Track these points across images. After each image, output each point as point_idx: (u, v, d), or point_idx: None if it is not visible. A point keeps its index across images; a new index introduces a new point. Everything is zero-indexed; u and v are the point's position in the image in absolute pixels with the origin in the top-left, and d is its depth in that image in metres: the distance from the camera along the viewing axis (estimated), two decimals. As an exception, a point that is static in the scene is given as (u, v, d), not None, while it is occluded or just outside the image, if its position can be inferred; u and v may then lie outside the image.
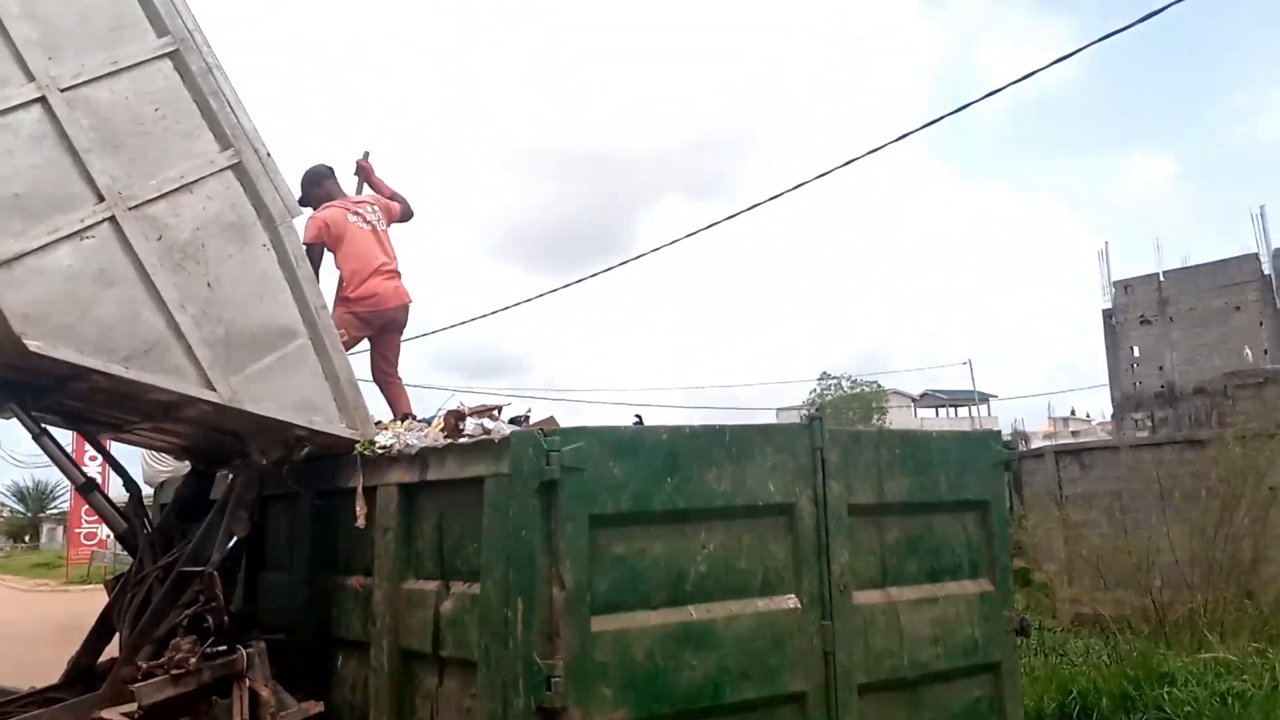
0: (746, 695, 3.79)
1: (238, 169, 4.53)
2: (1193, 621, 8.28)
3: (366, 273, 5.88)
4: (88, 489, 4.87)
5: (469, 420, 4.72)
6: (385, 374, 6.18)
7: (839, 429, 4.24)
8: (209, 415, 4.57)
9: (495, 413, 5.19)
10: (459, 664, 3.89)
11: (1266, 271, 47.17)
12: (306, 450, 4.74)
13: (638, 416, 4.97)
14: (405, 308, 6.14)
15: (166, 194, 4.33)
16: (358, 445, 4.63)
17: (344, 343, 5.78)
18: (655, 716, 3.59)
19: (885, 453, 4.37)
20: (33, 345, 3.97)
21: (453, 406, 4.96)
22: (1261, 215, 48.72)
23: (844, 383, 54.98)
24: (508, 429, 4.51)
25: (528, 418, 5.33)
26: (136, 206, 4.24)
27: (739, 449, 3.92)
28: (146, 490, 5.85)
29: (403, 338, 6.32)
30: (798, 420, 4.38)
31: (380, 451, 4.53)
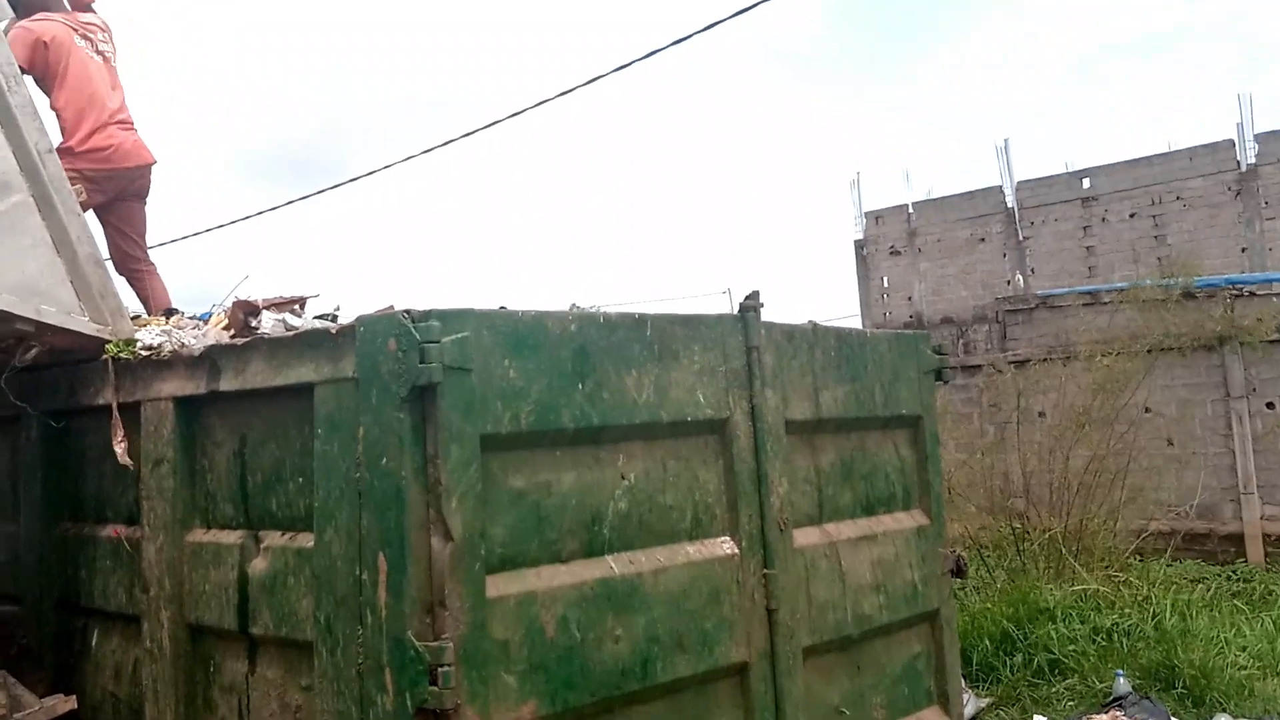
0: (681, 671, 2.96)
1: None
2: (1052, 548, 8.13)
3: (100, 119, 4.48)
4: None
5: (265, 315, 3.61)
6: (133, 259, 4.82)
7: (771, 322, 3.42)
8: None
9: (297, 307, 4.07)
10: (281, 644, 2.87)
11: (1010, 204, 50.08)
12: (32, 353, 3.48)
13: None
14: (148, 168, 4.77)
15: None
16: (109, 346, 3.42)
17: None
18: (573, 709, 2.70)
19: (820, 355, 3.61)
20: None
21: (241, 297, 3.83)
22: (1005, 149, 51.24)
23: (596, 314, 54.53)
24: (322, 325, 3.44)
25: (336, 315, 4.23)
26: None
27: (662, 345, 3.04)
28: None
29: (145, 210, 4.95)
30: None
31: (145, 354, 3.35)
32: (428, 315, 2.54)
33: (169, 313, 4.29)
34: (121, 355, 3.38)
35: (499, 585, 2.60)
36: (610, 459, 2.91)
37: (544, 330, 2.75)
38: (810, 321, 3.65)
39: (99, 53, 4.61)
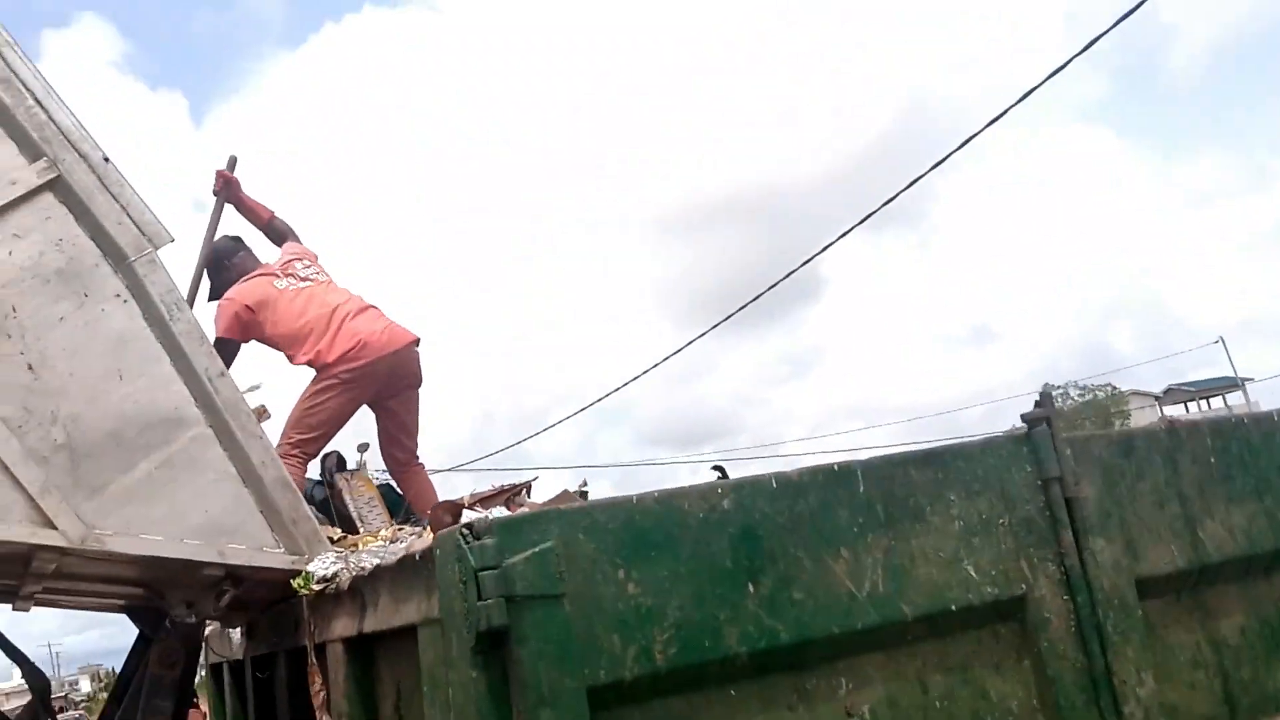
0: None
1: (58, 186, 3.07)
2: None
3: (331, 323, 4.24)
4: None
5: (467, 516, 3.06)
6: (401, 462, 4.53)
7: (1086, 435, 2.34)
8: (77, 565, 3.10)
9: (524, 494, 3.52)
10: None
11: None
12: (227, 598, 3.19)
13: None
14: (411, 349, 4.42)
15: (-60, 235, 2.93)
16: (294, 582, 3.04)
17: (327, 428, 4.25)
18: None
19: (1190, 465, 2.44)
20: None
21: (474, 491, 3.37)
22: None
23: (1071, 391, 49.22)
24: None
25: (585, 493, 3.63)
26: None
27: (890, 503, 2.10)
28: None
29: (419, 398, 4.61)
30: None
31: (318, 587, 2.92)
32: (487, 529, 1.84)
33: (405, 522, 3.92)
34: (303, 591, 2.98)
35: None
36: (824, 688, 1.99)
37: (678, 517, 1.94)
38: (1165, 419, 2.51)
39: (306, 279, 4.43)
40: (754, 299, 13.38)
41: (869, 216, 11.20)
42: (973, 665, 2.11)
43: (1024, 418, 2.28)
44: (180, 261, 5.37)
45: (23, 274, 3.00)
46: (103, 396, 3.03)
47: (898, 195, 10.81)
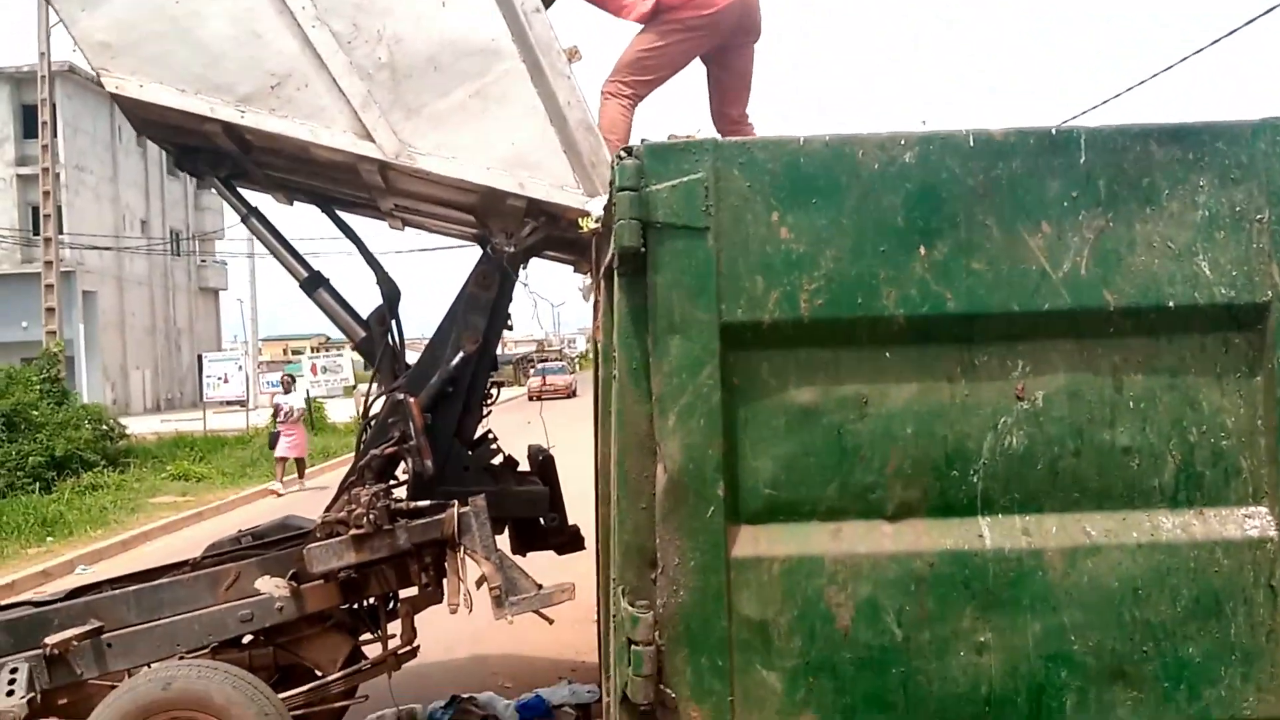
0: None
1: None
2: None
3: None
4: (312, 285, 4.07)
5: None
6: (734, 119, 4.52)
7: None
8: (403, 179, 3.54)
9: None
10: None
11: None
12: (528, 229, 3.51)
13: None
14: (756, 5, 4.35)
15: None
16: (580, 222, 3.28)
17: (662, 73, 4.32)
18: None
19: None
20: (110, 83, 3.20)
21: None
22: None
23: None
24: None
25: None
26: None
27: (1114, 180, 1.92)
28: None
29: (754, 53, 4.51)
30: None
31: (595, 225, 3.15)
32: (652, 148, 1.91)
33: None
34: (584, 230, 3.21)
35: (759, 542, 1.92)
36: (994, 367, 1.93)
37: (848, 165, 1.89)
38: None
39: None
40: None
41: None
42: (1186, 371, 1.93)
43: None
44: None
45: (358, -111, 3.27)
46: (427, 21, 3.31)
47: None
